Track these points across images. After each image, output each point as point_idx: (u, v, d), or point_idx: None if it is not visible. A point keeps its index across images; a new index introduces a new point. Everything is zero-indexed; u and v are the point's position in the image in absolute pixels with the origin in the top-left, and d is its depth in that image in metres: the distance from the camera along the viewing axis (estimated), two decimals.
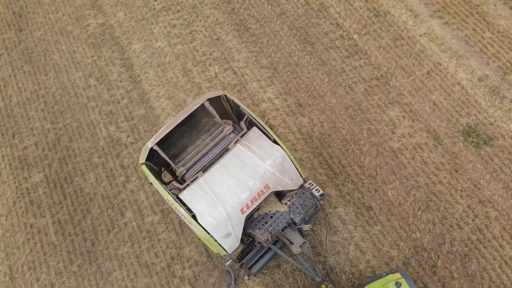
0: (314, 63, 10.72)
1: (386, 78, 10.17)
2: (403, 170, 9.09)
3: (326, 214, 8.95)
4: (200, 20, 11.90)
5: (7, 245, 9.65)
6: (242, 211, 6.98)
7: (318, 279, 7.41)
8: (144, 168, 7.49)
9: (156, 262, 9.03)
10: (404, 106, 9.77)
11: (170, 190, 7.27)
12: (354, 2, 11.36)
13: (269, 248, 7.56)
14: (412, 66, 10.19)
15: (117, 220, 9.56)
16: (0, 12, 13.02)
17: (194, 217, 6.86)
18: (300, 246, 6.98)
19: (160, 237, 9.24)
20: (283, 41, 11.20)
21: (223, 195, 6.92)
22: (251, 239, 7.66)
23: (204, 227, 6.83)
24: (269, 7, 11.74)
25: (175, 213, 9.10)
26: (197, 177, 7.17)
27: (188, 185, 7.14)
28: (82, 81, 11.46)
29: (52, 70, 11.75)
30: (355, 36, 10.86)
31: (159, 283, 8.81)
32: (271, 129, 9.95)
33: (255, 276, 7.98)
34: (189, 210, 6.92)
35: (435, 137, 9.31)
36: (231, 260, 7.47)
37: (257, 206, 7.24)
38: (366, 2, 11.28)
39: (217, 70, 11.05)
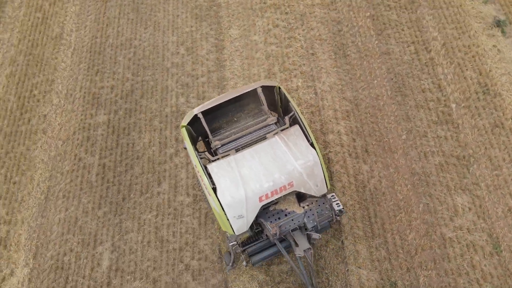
0: (398, 115, 10.11)
1: (467, 162, 9.34)
2: (446, 263, 8.34)
3: (348, 269, 8.50)
4: (304, 30, 11.68)
5: (53, 167, 10.30)
6: (260, 199, 7.11)
7: None
8: (184, 130, 7.80)
9: (171, 241, 9.15)
10: (475, 198, 8.92)
11: (201, 158, 7.56)
12: (466, 70, 10.50)
13: (274, 244, 7.63)
14: (502, 161, 9.24)
15: (152, 186, 9.80)
16: None
17: (214, 189, 7.06)
18: (304, 251, 7.05)
19: (183, 219, 9.34)
20: (375, 81, 10.67)
21: (248, 178, 7.08)
22: (259, 229, 7.74)
23: (221, 202, 7.03)
24: (376, 42, 11.22)
25: (202, 193, 9.14)
26: (228, 154, 7.42)
27: (218, 158, 7.44)
28: (173, 46, 11.78)
29: (152, 26, 12.21)
30: (453, 105, 10.05)
31: (166, 262, 8.92)
32: (329, 162, 9.60)
33: (253, 265, 8.05)
34: (212, 182, 7.14)
35: (495, 245, 8.41)
36: (235, 242, 7.54)
37: (275, 200, 7.37)
38: (480, 75, 10.38)
39: (299, 84, 10.82)
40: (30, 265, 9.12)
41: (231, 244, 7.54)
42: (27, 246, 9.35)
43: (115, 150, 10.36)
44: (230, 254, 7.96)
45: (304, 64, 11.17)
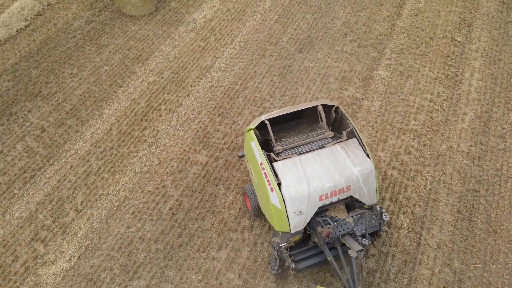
0: None
1: None
2: None
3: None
4: (435, 170, 10.54)
5: (139, 181, 10.51)
6: (321, 198, 7.65)
7: None
8: (251, 133, 8.37)
9: None
10: None
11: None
12: None
13: (321, 252, 8.08)
14: None
15: (211, 248, 9.32)
16: None
17: (278, 185, 7.58)
18: (357, 251, 7.22)
19: None
20: (494, 267, 8.94)
21: (311, 177, 7.66)
22: (311, 231, 7.98)
23: (284, 196, 7.52)
24: None
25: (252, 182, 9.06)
26: (292, 156, 8.04)
27: (283, 158, 8.01)
28: None
29: (289, 97, 12.26)
30: None
31: None
32: None
33: (297, 271, 8.31)
34: (277, 178, 7.68)
35: None
36: (286, 244, 7.85)
37: (328, 204, 7.85)
38: None
39: (405, 224, 9.60)
40: (71, 262, 9.16)
41: (283, 244, 7.81)
42: (80, 243, 9.47)
43: (197, 194, 10.23)
44: (276, 258, 8.28)
45: (419, 206, 9.96)
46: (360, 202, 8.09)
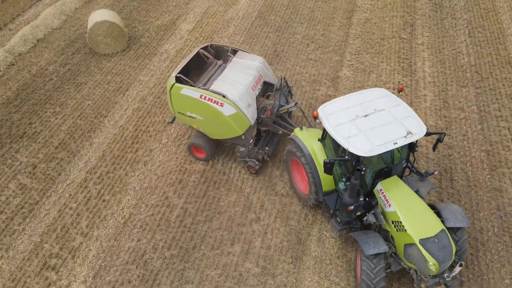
0: (503, 256, 9.06)
1: None
2: None
3: None
4: None
5: (141, 197, 10.74)
6: (253, 89, 10.33)
7: None
8: (176, 85, 10.08)
9: None
10: None
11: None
12: None
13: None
14: None
15: (225, 244, 9.60)
16: None
17: (224, 97, 9.64)
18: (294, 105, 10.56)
19: None
20: (481, 214, 9.91)
21: (238, 80, 10.16)
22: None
23: (233, 100, 9.64)
24: (488, 176, 10.69)
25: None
26: (216, 79, 10.33)
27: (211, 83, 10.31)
28: None
29: None
30: None
31: None
32: None
33: (268, 155, 10.81)
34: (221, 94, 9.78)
35: None
36: (251, 141, 10.37)
37: (260, 93, 10.70)
38: None
39: None
40: (87, 283, 9.07)
41: (251, 141, 10.38)
42: (92, 263, 9.43)
43: (200, 199, 10.59)
44: (253, 161, 10.76)
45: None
46: (271, 84, 10.90)
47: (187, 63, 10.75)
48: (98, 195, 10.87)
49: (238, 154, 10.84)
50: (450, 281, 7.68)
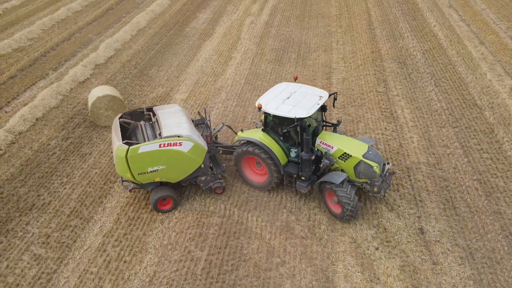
0: None
1: None
2: None
3: None
4: (411, 181, 12.60)
5: (163, 254, 10.73)
6: (191, 125, 12.02)
7: None
8: (130, 148, 10.75)
9: None
10: None
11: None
12: None
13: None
14: None
15: None
16: None
17: (179, 136, 11.05)
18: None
19: None
20: (489, 235, 10.66)
21: (177, 122, 11.74)
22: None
23: (187, 136, 11.08)
24: (486, 202, 11.65)
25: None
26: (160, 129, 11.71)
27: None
28: None
29: None
30: None
31: None
32: None
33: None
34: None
35: None
36: (208, 173, 12.12)
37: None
38: None
39: (407, 223, 11.09)
40: None
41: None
42: None
43: (223, 250, 10.72)
44: (212, 182, 12.21)
45: (411, 208, 11.65)
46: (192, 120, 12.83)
47: (120, 132, 11.64)
48: (118, 257, 10.74)
49: (202, 185, 12.02)
50: (387, 176, 11.37)
